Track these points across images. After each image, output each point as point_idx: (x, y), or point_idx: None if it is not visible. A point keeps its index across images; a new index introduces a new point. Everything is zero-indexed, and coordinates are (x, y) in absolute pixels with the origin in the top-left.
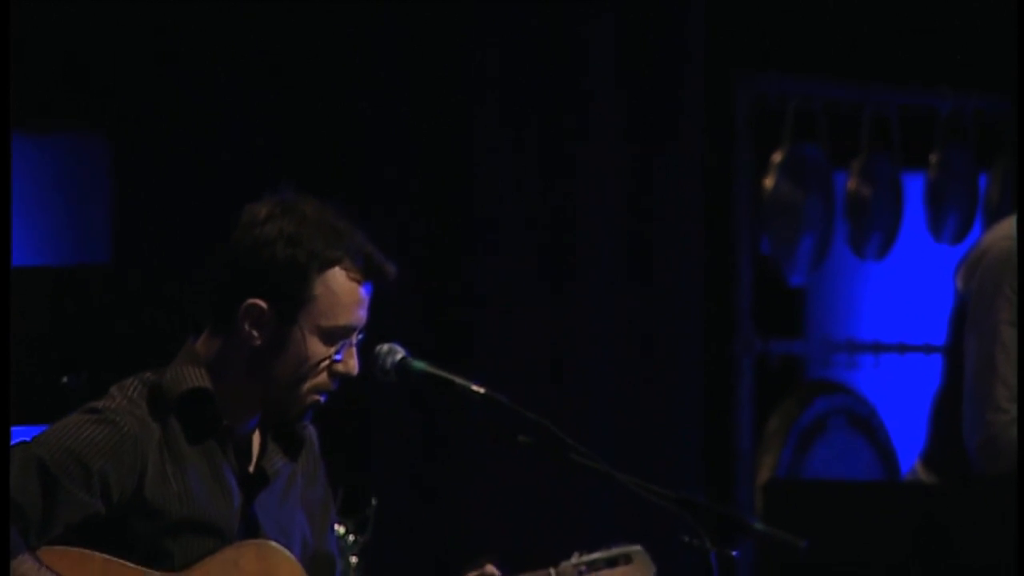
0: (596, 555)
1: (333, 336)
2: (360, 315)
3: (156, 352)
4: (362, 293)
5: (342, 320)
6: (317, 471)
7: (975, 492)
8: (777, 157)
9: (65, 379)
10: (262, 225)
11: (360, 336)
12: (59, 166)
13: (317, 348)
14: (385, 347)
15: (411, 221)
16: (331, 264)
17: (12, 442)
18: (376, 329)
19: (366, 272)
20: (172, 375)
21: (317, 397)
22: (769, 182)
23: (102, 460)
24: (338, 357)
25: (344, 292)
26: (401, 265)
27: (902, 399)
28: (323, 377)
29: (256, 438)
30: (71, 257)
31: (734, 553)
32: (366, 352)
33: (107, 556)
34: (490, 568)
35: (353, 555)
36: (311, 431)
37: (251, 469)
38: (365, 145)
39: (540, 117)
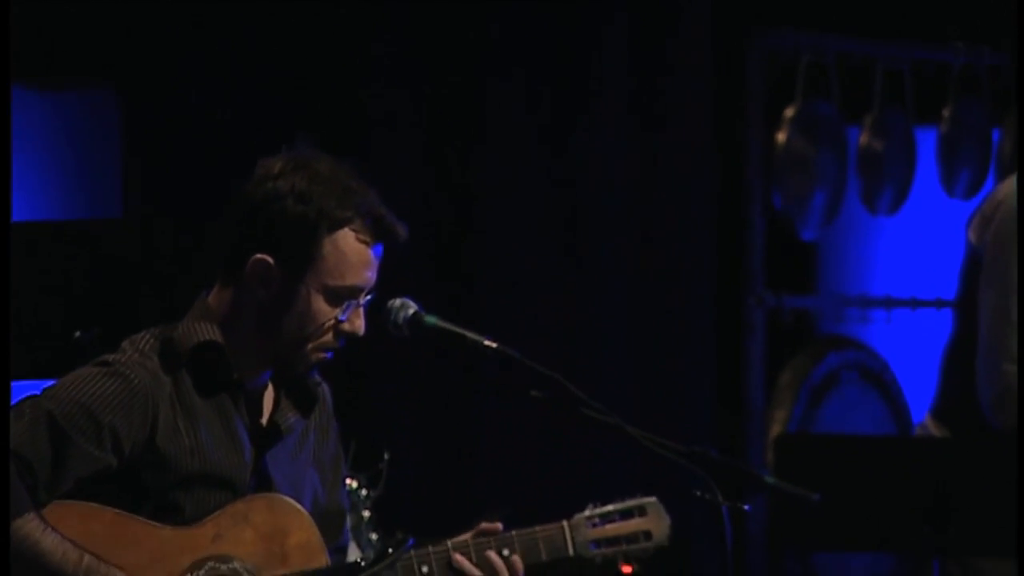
0: (610, 507)
1: (339, 296)
2: (367, 276)
3: (168, 306)
4: (371, 255)
5: (349, 280)
6: (329, 428)
7: (986, 446)
8: (789, 112)
9: (77, 334)
10: (274, 180)
11: (370, 297)
12: (70, 121)
13: (322, 307)
14: (397, 302)
15: (423, 181)
16: (341, 224)
17: (15, 401)
18: (387, 289)
19: (376, 233)
20: (183, 329)
21: (323, 355)
22: (781, 137)
23: (112, 414)
24: (344, 317)
25: (352, 252)
26: (413, 227)
27: (914, 354)
28: (328, 337)
29: (269, 393)
30: (82, 212)
31: (746, 507)
32: (378, 307)
33: (116, 511)
34: (486, 525)
35: (366, 509)
36: (324, 388)
37: (264, 424)
38: (376, 102)
39: (550, 79)
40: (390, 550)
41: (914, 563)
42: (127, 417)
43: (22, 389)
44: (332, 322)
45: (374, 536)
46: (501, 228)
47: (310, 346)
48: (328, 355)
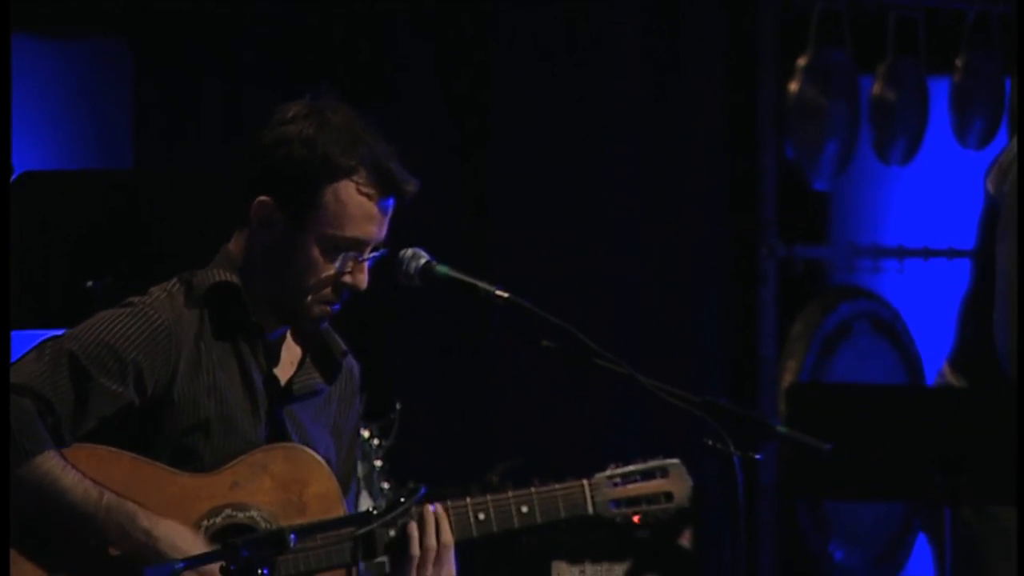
0: (631, 467)
1: (338, 247)
2: (370, 230)
3: (178, 256)
4: (375, 208)
5: (349, 231)
6: (353, 401)
7: (998, 395)
8: (802, 61)
9: (89, 283)
10: (285, 124)
11: (376, 253)
12: (82, 72)
13: (321, 258)
14: (409, 252)
15: (438, 132)
16: (343, 174)
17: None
18: (396, 239)
19: (381, 187)
20: (204, 273)
21: (326, 308)
22: (794, 87)
23: (136, 351)
24: (343, 268)
25: (354, 205)
26: (423, 176)
27: (926, 303)
28: (328, 291)
29: (290, 349)
30: (94, 162)
31: (757, 456)
32: (389, 257)
33: (134, 455)
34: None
35: (377, 459)
36: (352, 362)
37: (282, 379)
38: (388, 50)
39: (562, 28)
40: (402, 499)
41: (926, 512)
42: (150, 355)
43: (34, 339)
44: (332, 274)
45: (386, 485)
46: (512, 181)
47: (310, 297)
48: (333, 308)
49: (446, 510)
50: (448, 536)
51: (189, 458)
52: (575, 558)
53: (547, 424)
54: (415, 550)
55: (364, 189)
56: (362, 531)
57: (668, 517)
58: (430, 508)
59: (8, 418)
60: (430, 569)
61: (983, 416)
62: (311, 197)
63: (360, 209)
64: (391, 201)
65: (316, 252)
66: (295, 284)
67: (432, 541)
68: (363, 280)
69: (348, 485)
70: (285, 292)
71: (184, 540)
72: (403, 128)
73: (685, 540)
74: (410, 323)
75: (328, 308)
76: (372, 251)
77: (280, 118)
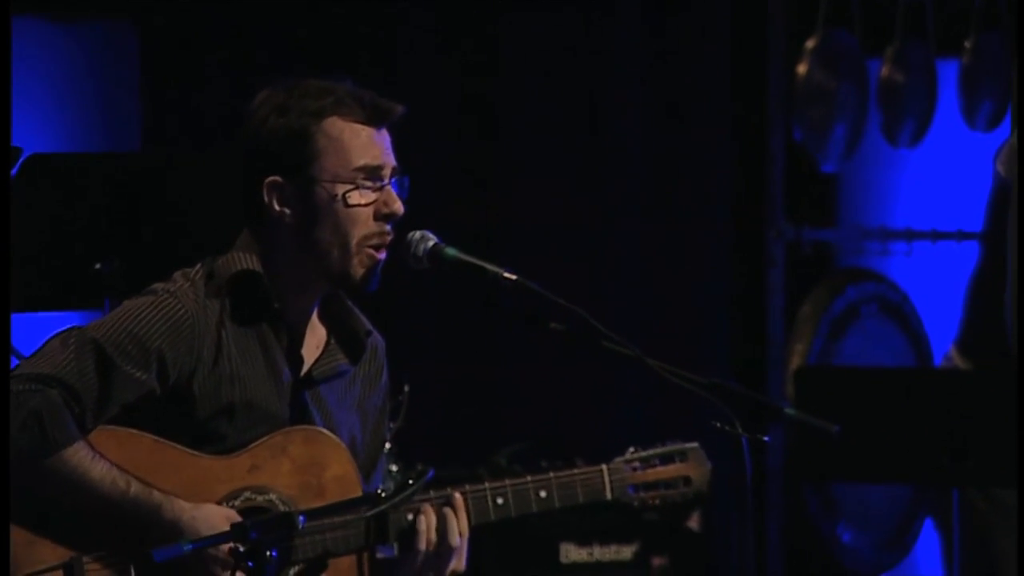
0: (650, 452)
1: (356, 179)
2: (375, 153)
3: (186, 237)
4: (370, 132)
5: (357, 160)
6: (379, 380)
7: (1005, 378)
8: (810, 43)
9: (97, 266)
10: (257, 108)
11: (399, 178)
12: (89, 54)
13: (345, 200)
14: (417, 234)
15: (445, 108)
16: (324, 114)
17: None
18: (406, 218)
19: (366, 113)
20: (225, 259)
21: (373, 252)
22: (802, 69)
23: (159, 339)
24: (370, 199)
25: (348, 135)
26: (434, 156)
27: (935, 286)
28: (370, 225)
29: (315, 331)
30: (101, 145)
31: (765, 438)
32: (398, 239)
33: (155, 437)
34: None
35: (386, 441)
36: (377, 340)
37: (307, 361)
38: (392, 28)
39: (571, 5)
40: (411, 482)
41: (933, 494)
42: (173, 344)
43: (43, 321)
44: (366, 208)
45: (394, 468)
46: (521, 161)
47: (355, 242)
48: (381, 254)
49: (464, 496)
50: (464, 529)
51: (212, 441)
52: (583, 540)
53: (555, 406)
54: (422, 545)
55: (349, 118)
56: (372, 512)
57: (686, 502)
58: (451, 498)
59: (8, 415)
60: (441, 562)
61: (990, 399)
62: (307, 150)
63: (355, 136)
64: (383, 129)
65: (337, 198)
66: (336, 241)
67: (443, 537)
68: (396, 203)
69: (376, 463)
70: (330, 257)
71: (210, 525)
72: (408, 109)
73: (693, 522)
74: (418, 305)
75: (375, 253)
76: (392, 176)
77: (250, 108)
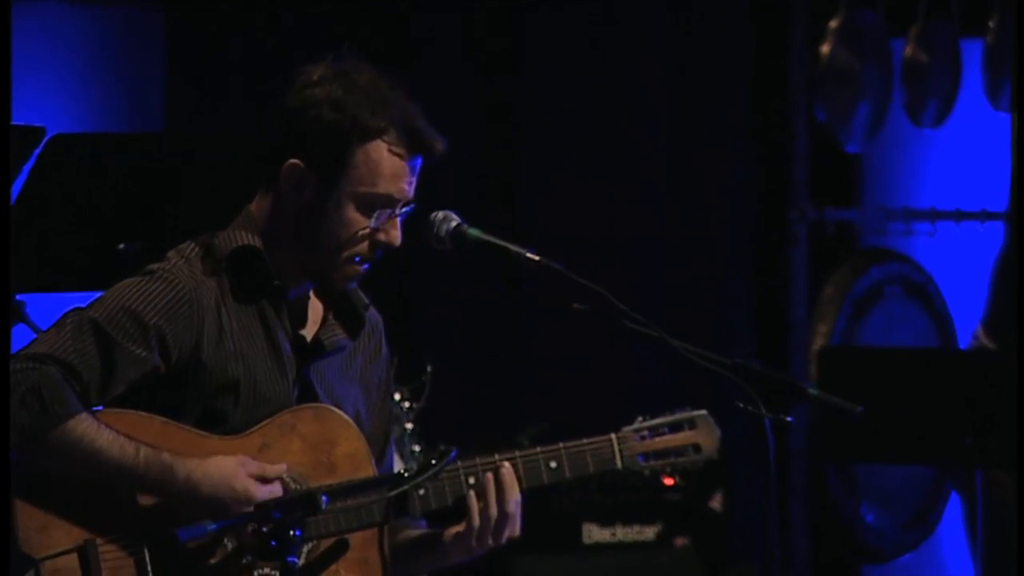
0: (659, 420)
1: (372, 205)
2: (402, 187)
3: (207, 219)
4: (405, 167)
5: (381, 189)
6: (379, 355)
7: None
8: (834, 24)
9: (120, 246)
10: (312, 87)
11: (407, 209)
12: (112, 36)
13: (355, 215)
14: (440, 215)
15: (466, 95)
16: (374, 135)
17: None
18: (426, 199)
19: (411, 146)
20: (225, 236)
21: (358, 267)
22: (825, 49)
23: (157, 316)
24: (376, 225)
25: (385, 163)
26: (455, 140)
27: (958, 266)
28: (363, 246)
29: (314, 307)
30: (124, 125)
31: (788, 419)
32: (420, 220)
33: (164, 419)
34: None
35: (409, 422)
36: (375, 316)
37: (308, 338)
38: (414, 10)
39: None
40: (433, 462)
41: (958, 474)
42: (172, 322)
43: (65, 301)
44: (366, 231)
45: (417, 448)
46: (542, 142)
47: (344, 255)
48: (364, 268)
49: (477, 467)
50: (516, 497)
51: (217, 421)
52: (606, 520)
53: (577, 387)
54: (476, 520)
55: (395, 149)
56: (394, 492)
57: (697, 469)
58: (501, 469)
59: (8, 412)
60: (494, 535)
61: (1014, 379)
62: (342, 158)
63: (391, 168)
64: (420, 160)
65: (349, 211)
66: (329, 244)
67: (494, 509)
68: (396, 236)
69: (384, 438)
70: (318, 253)
71: (224, 475)
72: (430, 92)
73: (716, 503)
74: (441, 287)
75: (360, 268)
76: (403, 207)
77: (304, 80)
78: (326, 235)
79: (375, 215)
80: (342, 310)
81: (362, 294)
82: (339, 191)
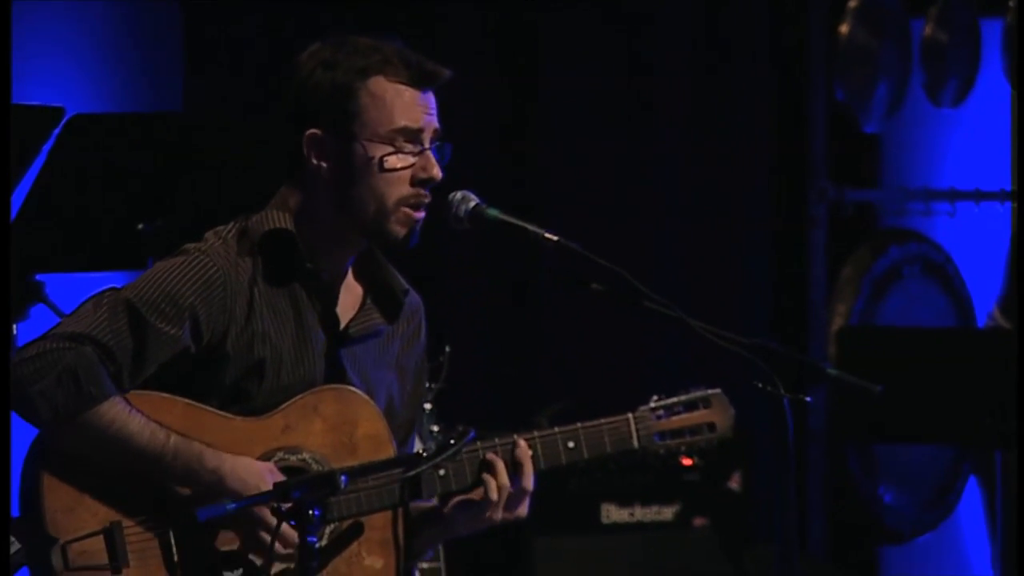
0: (674, 399)
1: (395, 140)
2: (417, 116)
3: (229, 198)
4: (414, 94)
5: (399, 122)
6: (417, 338)
7: None
8: (853, 3)
9: (140, 226)
10: (305, 61)
11: (438, 144)
12: (132, 15)
13: (386, 159)
14: (458, 195)
15: (486, 71)
16: (370, 73)
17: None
18: (444, 180)
19: (412, 75)
20: (258, 218)
21: (411, 212)
22: (844, 28)
23: (192, 296)
24: (408, 164)
25: (391, 95)
26: (476, 119)
27: (978, 246)
28: (406, 188)
29: (350, 290)
30: (144, 105)
31: (807, 399)
32: (438, 200)
33: (188, 401)
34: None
35: (427, 402)
36: (416, 299)
37: (341, 322)
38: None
39: None
40: (452, 442)
41: (976, 455)
42: (206, 302)
43: (86, 281)
44: (404, 171)
45: (435, 428)
46: (562, 121)
47: (391, 203)
48: (419, 215)
49: (497, 448)
50: (531, 472)
51: (240, 401)
52: (624, 500)
53: (595, 367)
54: (494, 494)
55: (394, 78)
56: (412, 473)
57: (712, 448)
58: (518, 445)
59: (9, 405)
60: (506, 508)
61: (1016, 360)
62: (349, 107)
63: (399, 98)
64: (429, 92)
65: (377, 157)
66: (373, 200)
67: (509, 482)
68: (434, 169)
69: (414, 421)
70: (367, 215)
71: (251, 474)
72: (450, 70)
73: (735, 483)
74: (459, 267)
75: (413, 214)
76: (432, 141)
77: (298, 61)
78: (364, 189)
79: (402, 153)
80: (381, 294)
81: (401, 279)
82: (359, 141)
